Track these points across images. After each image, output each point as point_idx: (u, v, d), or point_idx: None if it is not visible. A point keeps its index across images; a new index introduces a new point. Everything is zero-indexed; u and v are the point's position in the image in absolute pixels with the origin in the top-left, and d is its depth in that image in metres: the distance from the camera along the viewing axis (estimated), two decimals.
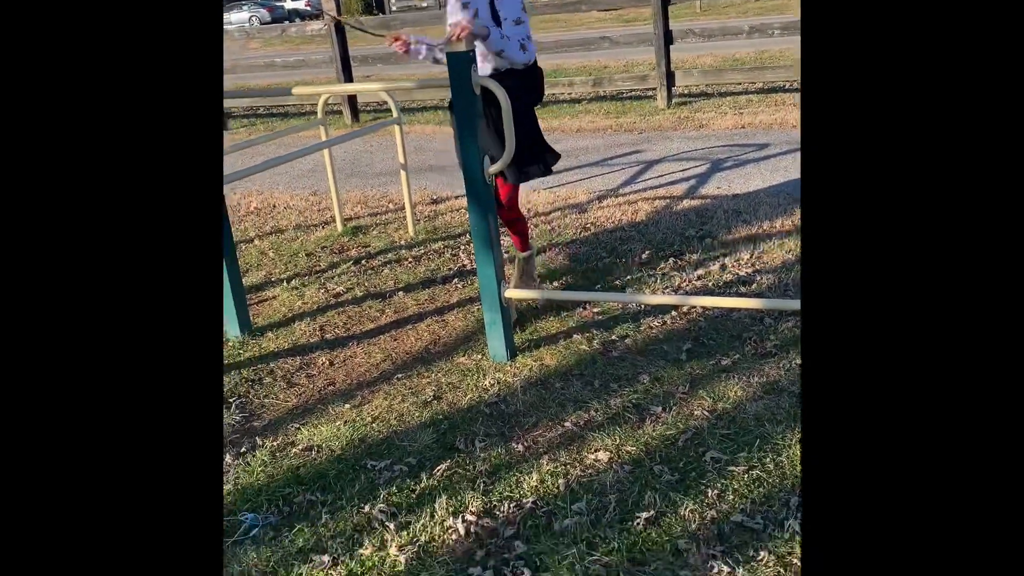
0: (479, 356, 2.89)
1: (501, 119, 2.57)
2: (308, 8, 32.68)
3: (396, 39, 2.83)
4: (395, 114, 4.17)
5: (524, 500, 2.06)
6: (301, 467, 2.30)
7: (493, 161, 2.67)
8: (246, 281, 3.82)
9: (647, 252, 3.73)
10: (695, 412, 2.38)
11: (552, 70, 10.36)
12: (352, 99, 8.33)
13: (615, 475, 2.12)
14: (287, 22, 28.80)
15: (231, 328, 3.24)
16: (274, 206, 5.31)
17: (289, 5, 33.10)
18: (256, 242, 4.54)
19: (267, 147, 6.82)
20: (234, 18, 31.70)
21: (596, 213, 4.44)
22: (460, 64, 2.55)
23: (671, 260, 3.62)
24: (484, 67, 2.84)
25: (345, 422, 2.52)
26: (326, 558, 1.91)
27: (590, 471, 2.16)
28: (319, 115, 4.40)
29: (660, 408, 2.42)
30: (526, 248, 3.25)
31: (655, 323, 3.00)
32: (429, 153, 6.46)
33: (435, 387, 2.70)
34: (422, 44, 2.93)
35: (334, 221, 4.66)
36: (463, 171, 2.67)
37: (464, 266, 3.83)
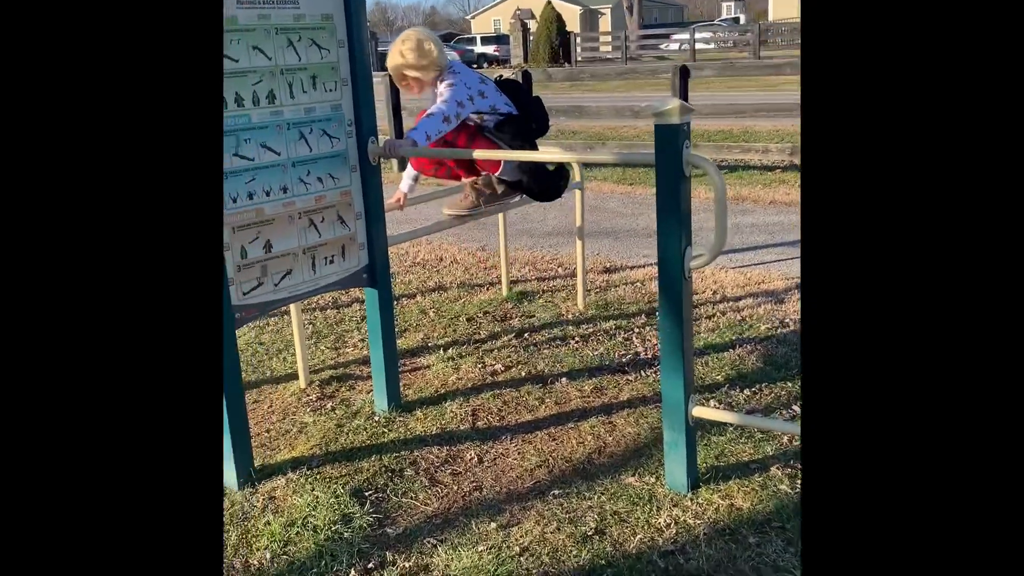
0: (652, 479, 2.42)
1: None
2: (496, 54, 33.72)
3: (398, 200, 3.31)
4: (578, 178, 3.82)
5: None
6: None
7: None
8: (402, 344, 3.56)
9: None
10: None
11: (742, 132, 9.76)
12: None
13: None
14: (474, 66, 29.85)
15: (379, 401, 2.97)
16: (441, 259, 5.11)
17: (478, 49, 34.31)
18: (418, 298, 4.32)
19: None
20: None
21: (795, 305, 3.85)
22: (670, 138, 2.14)
23: None
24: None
25: (489, 547, 2.13)
26: None
27: None
28: None
29: None
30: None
31: None
32: (605, 214, 6.09)
33: (597, 515, 2.25)
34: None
35: (500, 283, 4.36)
36: (658, 263, 2.25)
37: (638, 354, 3.38)
